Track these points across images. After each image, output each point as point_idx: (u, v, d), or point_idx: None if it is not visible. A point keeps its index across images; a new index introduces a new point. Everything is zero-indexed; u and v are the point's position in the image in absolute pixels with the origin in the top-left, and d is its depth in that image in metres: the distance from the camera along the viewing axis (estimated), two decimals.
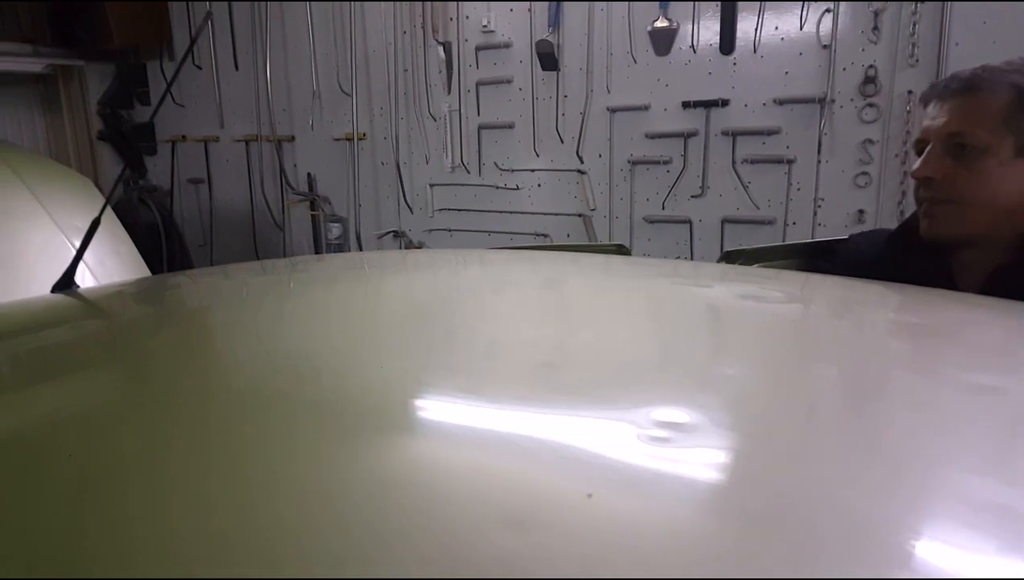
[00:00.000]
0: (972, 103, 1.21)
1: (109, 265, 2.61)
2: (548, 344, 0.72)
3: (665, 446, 0.46)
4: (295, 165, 4.55)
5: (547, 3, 3.59)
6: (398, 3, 3.96)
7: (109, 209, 2.59)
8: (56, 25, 4.63)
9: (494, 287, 1.07)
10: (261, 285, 1.15)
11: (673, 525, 0.39)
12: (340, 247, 4.32)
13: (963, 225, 1.24)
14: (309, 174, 4.49)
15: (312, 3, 4.19)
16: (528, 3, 3.64)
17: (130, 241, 2.76)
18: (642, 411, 0.52)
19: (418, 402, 0.57)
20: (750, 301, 0.93)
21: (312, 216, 4.50)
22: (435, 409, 0.56)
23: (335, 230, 4.31)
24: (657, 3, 3.36)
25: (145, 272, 2.78)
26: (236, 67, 4.54)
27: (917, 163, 1.27)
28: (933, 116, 1.26)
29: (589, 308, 0.93)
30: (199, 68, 4.66)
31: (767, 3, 3.19)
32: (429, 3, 3.85)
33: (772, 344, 0.74)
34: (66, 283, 1.08)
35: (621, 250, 1.58)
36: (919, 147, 1.29)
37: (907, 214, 3.07)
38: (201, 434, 0.51)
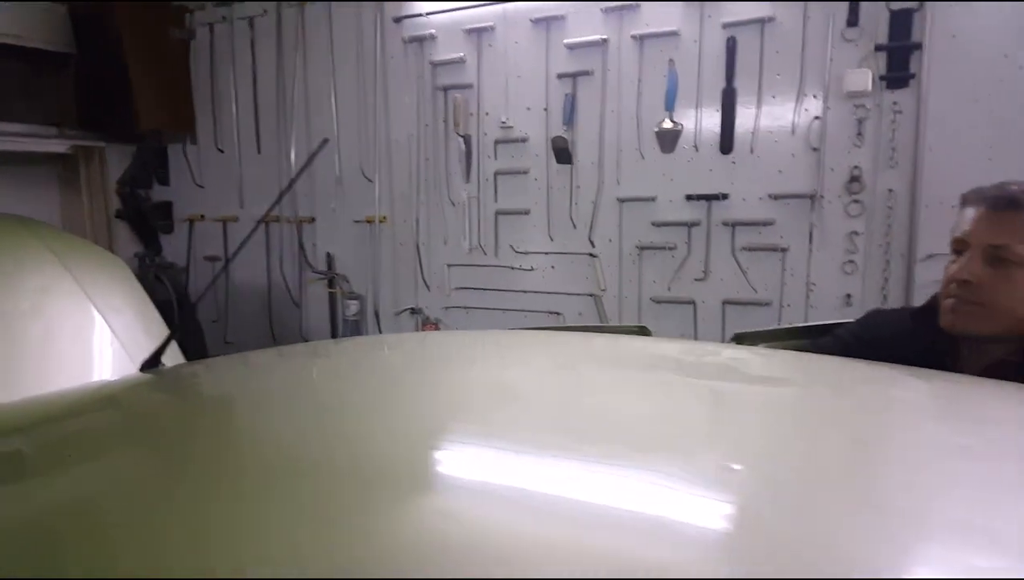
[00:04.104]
0: (1017, 219, 1.36)
1: (142, 343, 2.70)
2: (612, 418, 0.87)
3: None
4: (315, 244, 4.76)
5: (562, 103, 3.95)
6: (421, 99, 4.29)
7: (141, 289, 2.69)
8: (82, 107, 4.85)
9: (546, 366, 1.21)
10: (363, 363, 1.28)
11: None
12: (357, 324, 4.51)
13: (987, 325, 1.39)
14: (328, 253, 4.72)
15: (337, 95, 4.50)
16: (544, 103, 4.01)
17: (160, 319, 2.83)
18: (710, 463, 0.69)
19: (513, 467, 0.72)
20: (763, 384, 1.09)
21: (330, 293, 4.70)
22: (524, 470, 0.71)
23: (352, 307, 4.51)
24: (663, 106, 3.75)
25: (174, 349, 2.87)
26: (259, 151, 4.80)
27: (956, 264, 1.42)
28: (977, 222, 1.39)
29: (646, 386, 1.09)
30: (221, 151, 4.91)
31: (762, 109, 3.60)
32: (452, 100, 4.18)
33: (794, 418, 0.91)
34: (154, 362, 1.17)
35: (643, 332, 1.68)
36: (957, 246, 1.43)
37: (889, 298, 3.47)
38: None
